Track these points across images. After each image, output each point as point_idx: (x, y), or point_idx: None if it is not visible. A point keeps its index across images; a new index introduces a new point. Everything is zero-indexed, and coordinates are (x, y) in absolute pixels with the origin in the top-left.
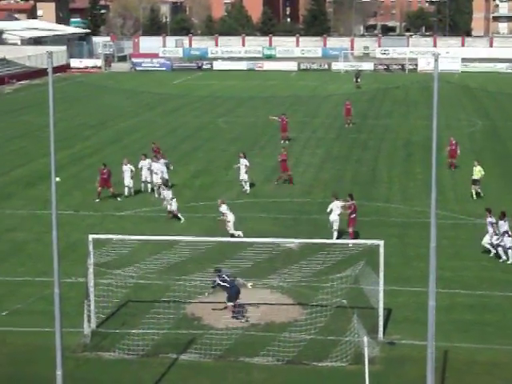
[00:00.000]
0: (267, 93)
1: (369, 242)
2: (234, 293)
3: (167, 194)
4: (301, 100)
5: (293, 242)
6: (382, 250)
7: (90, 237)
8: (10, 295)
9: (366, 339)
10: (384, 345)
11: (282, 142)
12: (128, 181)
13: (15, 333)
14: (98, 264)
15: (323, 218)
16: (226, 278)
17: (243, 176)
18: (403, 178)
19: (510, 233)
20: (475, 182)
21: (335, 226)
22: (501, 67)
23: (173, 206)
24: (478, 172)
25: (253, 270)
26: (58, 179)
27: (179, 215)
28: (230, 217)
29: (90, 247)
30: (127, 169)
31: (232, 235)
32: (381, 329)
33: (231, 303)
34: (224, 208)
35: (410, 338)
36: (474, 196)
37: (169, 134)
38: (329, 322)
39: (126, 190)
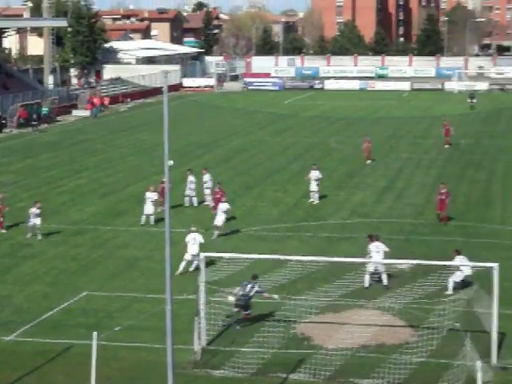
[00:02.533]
0: (379, 113)
1: (482, 264)
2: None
3: None
4: (413, 120)
5: (405, 264)
6: (496, 273)
7: (202, 255)
8: (123, 311)
9: (479, 364)
10: (498, 370)
11: (369, 162)
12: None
13: (127, 348)
14: (209, 282)
15: (435, 239)
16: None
17: (314, 188)
18: None
19: None
20: None
21: None
22: None
23: None
24: None
25: (363, 290)
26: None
27: None
28: None
29: (202, 265)
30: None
31: None
32: (494, 353)
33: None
34: None
35: None
36: None
37: (279, 154)
38: (440, 345)
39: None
